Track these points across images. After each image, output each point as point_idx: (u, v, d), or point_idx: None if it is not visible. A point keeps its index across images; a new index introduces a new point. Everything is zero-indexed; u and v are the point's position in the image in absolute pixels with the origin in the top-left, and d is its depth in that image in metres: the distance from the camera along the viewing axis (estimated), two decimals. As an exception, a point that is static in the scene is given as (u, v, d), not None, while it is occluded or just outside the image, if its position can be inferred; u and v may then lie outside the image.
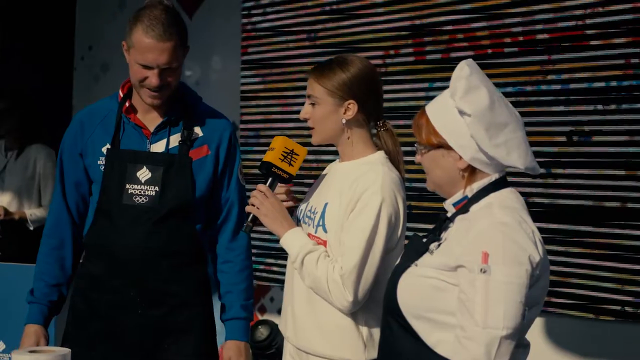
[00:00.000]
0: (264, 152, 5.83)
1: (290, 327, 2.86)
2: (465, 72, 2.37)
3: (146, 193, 3.00)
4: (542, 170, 2.46)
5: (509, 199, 2.38)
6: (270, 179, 2.84)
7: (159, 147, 3.05)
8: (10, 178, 5.87)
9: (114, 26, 6.84)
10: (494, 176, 2.40)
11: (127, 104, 3.07)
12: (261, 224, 2.82)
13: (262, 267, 5.79)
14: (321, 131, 2.84)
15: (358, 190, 2.71)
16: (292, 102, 5.78)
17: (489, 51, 4.81)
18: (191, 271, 3.09)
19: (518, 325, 2.21)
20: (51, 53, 7.17)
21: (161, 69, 2.91)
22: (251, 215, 2.82)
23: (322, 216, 2.79)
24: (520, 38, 4.71)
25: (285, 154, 2.83)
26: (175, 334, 3.05)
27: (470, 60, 2.42)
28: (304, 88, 5.52)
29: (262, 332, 4.96)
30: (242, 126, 5.98)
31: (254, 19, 6.02)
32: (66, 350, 2.58)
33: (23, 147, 5.94)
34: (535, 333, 2.35)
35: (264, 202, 2.79)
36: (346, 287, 2.66)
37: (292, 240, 2.77)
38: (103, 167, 3.04)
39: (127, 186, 3.00)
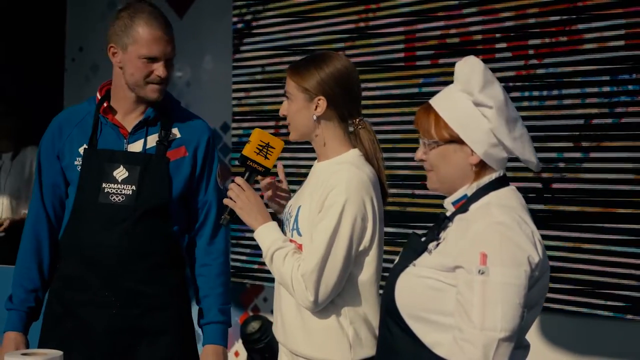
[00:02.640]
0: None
1: (280, 329, 2.86)
2: (481, 66, 2.37)
3: (123, 192, 3.00)
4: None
5: (508, 197, 2.38)
6: (247, 173, 2.86)
7: (136, 147, 3.05)
8: (7, 179, 5.90)
9: (104, 27, 6.75)
10: (495, 174, 2.40)
11: (105, 105, 3.08)
12: (239, 218, 2.82)
13: (256, 266, 5.78)
14: (295, 127, 2.85)
15: (325, 190, 2.71)
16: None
17: (480, 47, 4.80)
18: (168, 273, 3.08)
19: (516, 327, 2.20)
20: (42, 55, 7.15)
21: (166, 59, 2.96)
22: (228, 209, 2.83)
23: (296, 220, 2.80)
24: (512, 34, 4.70)
25: (261, 147, 2.85)
26: (150, 335, 3.04)
27: (473, 56, 2.43)
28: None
29: (254, 326, 4.97)
30: (234, 125, 5.96)
31: (246, 17, 6.00)
32: (58, 353, 2.57)
33: (18, 150, 5.98)
34: (531, 331, 2.36)
35: (239, 195, 2.80)
36: (307, 287, 2.67)
37: (264, 235, 2.78)
38: (80, 167, 3.04)
39: (104, 185, 3.01)
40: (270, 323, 5.04)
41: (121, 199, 2.99)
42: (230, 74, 6.08)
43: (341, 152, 2.83)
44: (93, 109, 3.10)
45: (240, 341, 5.42)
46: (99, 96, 3.11)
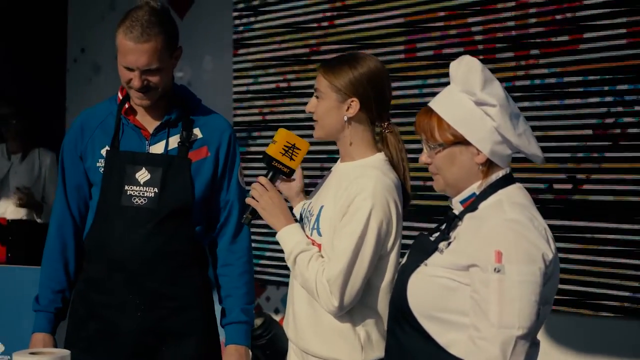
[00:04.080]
0: (257, 152, 5.80)
1: (292, 327, 2.86)
2: (479, 65, 2.38)
3: (145, 194, 2.99)
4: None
5: (517, 195, 2.39)
6: (271, 173, 2.84)
7: (158, 148, 3.03)
8: (16, 181, 5.95)
9: (105, 28, 6.83)
10: (501, 172, 2.41)
11: (126, 106, 3.06)
12: (260, 217, 2.81)
13: (258, 268, 5.78)
14: (323, 126, 2.82)
15: (351, 194, 2.70)
16: (286, 102, 5.77)
17: (480, 47, 4.81)
18: (191, 274, 3.07)
19: (533, 324, 2.21)
20: (44, 56, 7.16)
21: (142, 70, 2.90)
22: (250, 208, 2.82)
23: (317, 219, 2.79)
24: (513, 33, 4.70)
25: (287, 148, 2.81)
26: (175, 336, 3.04)
27: (468, 55, 2.43)
28: (298, 88, 5.55)
29: (256, 323, 4.98)
30: (234, 127, 5.97)
31: (245, 20, 6.01)
32: (66, 352, 2.57)
33: (27, 151, 6.02)
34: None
35: (263, 195, 2.79)
36: (332, 292, 2.66)
37: (288, 236, 2.77)
38: (102, 169, 3.03)
39: (126, 187, 2.99)
40: (273, 320, 5.05)
41: (144, 202, 2.98)
42: (231, 74, 6.09)
43: (366, 155, 2.81)
44: (114, 109, 3.08)
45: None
46: (120, 96, 3.08)
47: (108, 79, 6.83)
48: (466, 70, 2.39)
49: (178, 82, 6.40)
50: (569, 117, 4.52)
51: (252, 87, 5.98)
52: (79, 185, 3.12)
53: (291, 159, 2.82)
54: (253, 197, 2.80)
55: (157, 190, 2.98)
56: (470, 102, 2.38)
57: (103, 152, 3.05)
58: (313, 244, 2.77)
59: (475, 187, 2.41)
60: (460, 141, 2.38)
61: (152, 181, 2.99)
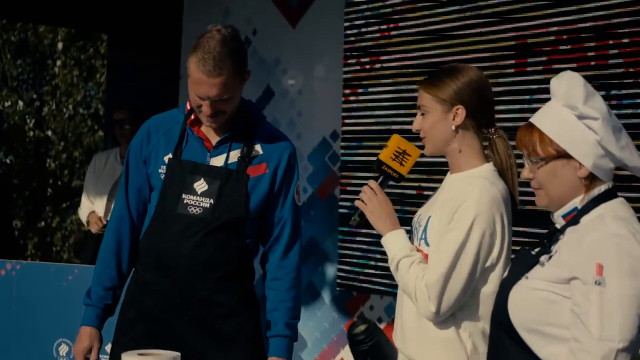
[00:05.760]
0: (363, 162, 5.79)
1: (399, 336, 2.89)
2: (580, 80, 2.40)
3: (201, 204, 3.07)
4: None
5: (620, 209, 2.39)
6: (381, 177, 2.87)
7: (218, 161, 3.12)
8: None
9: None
10: (604, 186, 2.41)
11: (192, 117, 3.14)
12: (367, 221, 2.85)
13: (362, 277, 5.81)
14: (431, 140, 2.85)
15: (457, 203, 2.72)
16: (397, 113, 5.78)
17: (593, 63, 4.75)
18: (237, 284, 3.15)
19: (634, 337, 2.21)
20: (158, 63, 7.33)
21: (213, 100, 2.97)
22: (359, 211, 2.86)
23: (425, 230, 2.81)
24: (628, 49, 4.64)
25: (397, 154, 2.85)
26: (221, 341, 3.12)
27: (569, 71, 2.45)
28: (409, 99, 5.54)
29: (360, 328, 4.99)
30: (343, 136, 6.00)
31: (356, 30, 6.05)
32: (175, 354, 2.65)
33: None
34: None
35: (372, 199, 2.83)
36: (430, 298, 2.68)
37: (392, 241, 2.81)
38: (163, 176, 3.13)
39: (184, 196, 3.08)
40: (377, 327, 5.06)
41: (198, 211, 3.07)
42: (341, 83, 6.13)
43: (475, 165, 2.83)
44: (181, 118, 3.18)
45: (345, 349, 5.46)
46: (188, 106, 3.17)
47: (220, 87, 6.94)
48: (568, 85, 2.40)
49: (289, 89, 6.46)
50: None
51: (361, 97, 6.01)
52: (140, 187, 3.22)
53: (401, 164, 2.86)
54: (362, 200, 2.85)
55: (212, 202, 3.07)
56: (572, 116, 2.40)
57: (166, 159, 3.14)
58: (421, 254, 2.79)
59: (577, 202, 2.42)
60: (563, 155, 2.40)
61: (209, 192, 3.07)
